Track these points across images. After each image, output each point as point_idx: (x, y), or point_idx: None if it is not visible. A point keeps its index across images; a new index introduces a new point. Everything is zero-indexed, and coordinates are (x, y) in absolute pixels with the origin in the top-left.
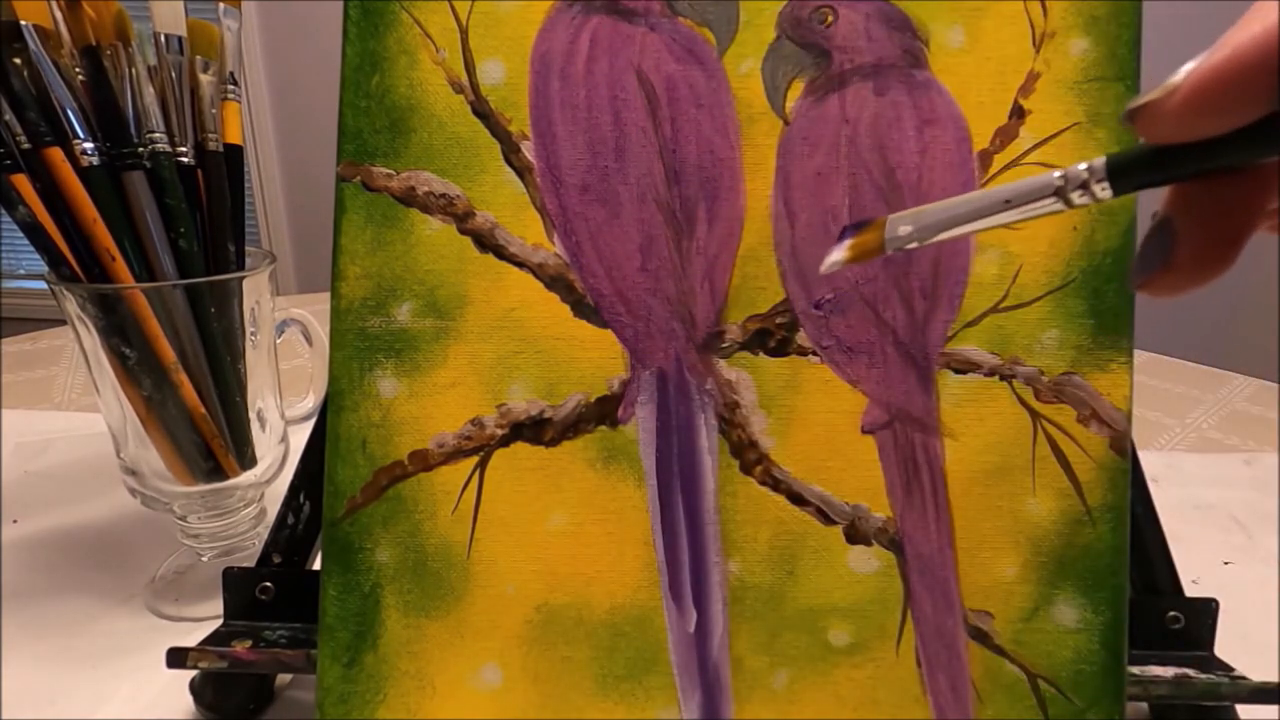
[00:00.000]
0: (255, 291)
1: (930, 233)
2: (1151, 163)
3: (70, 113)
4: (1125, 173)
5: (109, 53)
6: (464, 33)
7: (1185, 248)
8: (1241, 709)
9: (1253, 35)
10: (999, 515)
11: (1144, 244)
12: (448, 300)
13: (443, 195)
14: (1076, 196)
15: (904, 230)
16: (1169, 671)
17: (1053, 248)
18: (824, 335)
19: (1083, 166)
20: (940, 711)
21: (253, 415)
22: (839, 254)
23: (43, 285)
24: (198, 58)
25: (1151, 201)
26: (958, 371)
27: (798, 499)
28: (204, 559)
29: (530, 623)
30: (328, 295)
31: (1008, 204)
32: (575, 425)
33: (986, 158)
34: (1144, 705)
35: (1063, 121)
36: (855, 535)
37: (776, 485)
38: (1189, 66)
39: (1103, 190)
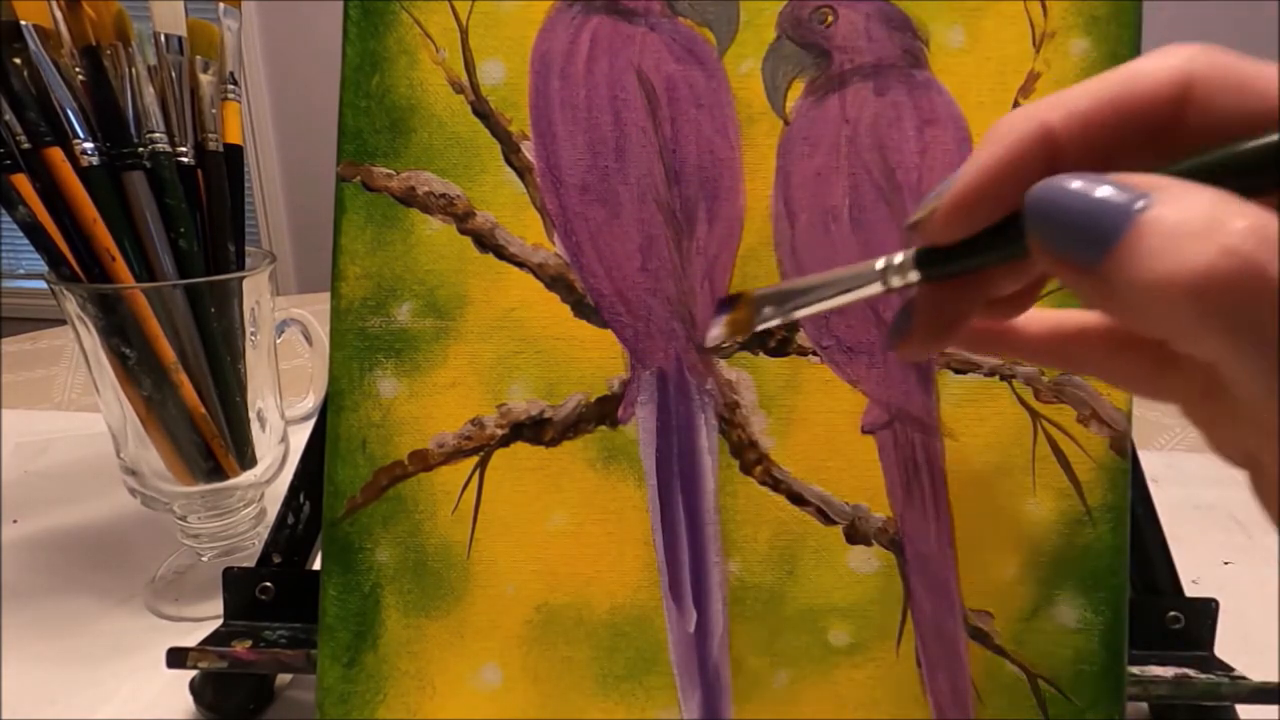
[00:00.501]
0: (255, 291)
1: (786, 314)
2: (939, 259)
3: (70, 113)
4: (928, 264)
5: (109, 53)
6: (464, 33)
7: (918, 328)
8: (1241, 709)
9: (979, 163)
10: (999, 515)
11: (895, 317)
12: (448, 300)
13: (443, 195)
14: (895, 281)
15: (769, 311)
16: (1169, 671)
17: None
18: (824, 335)
19: (899, 258)
20: (940, 711)
21: (253, 415)
22: (717, 330)
23: (43, 285)
24: (198, 58)
25: None
26: (958, 371)
27: (798, 499)
28: (204, 559)
29: (530, 623)
30: (328, 295)
31: (844, 290)
32: (575, 425)
33: None
34: (1144, 705)
35: None
36: (855, 535)
37: (776, 485)
38: (943, 186)
39: (913, 275)
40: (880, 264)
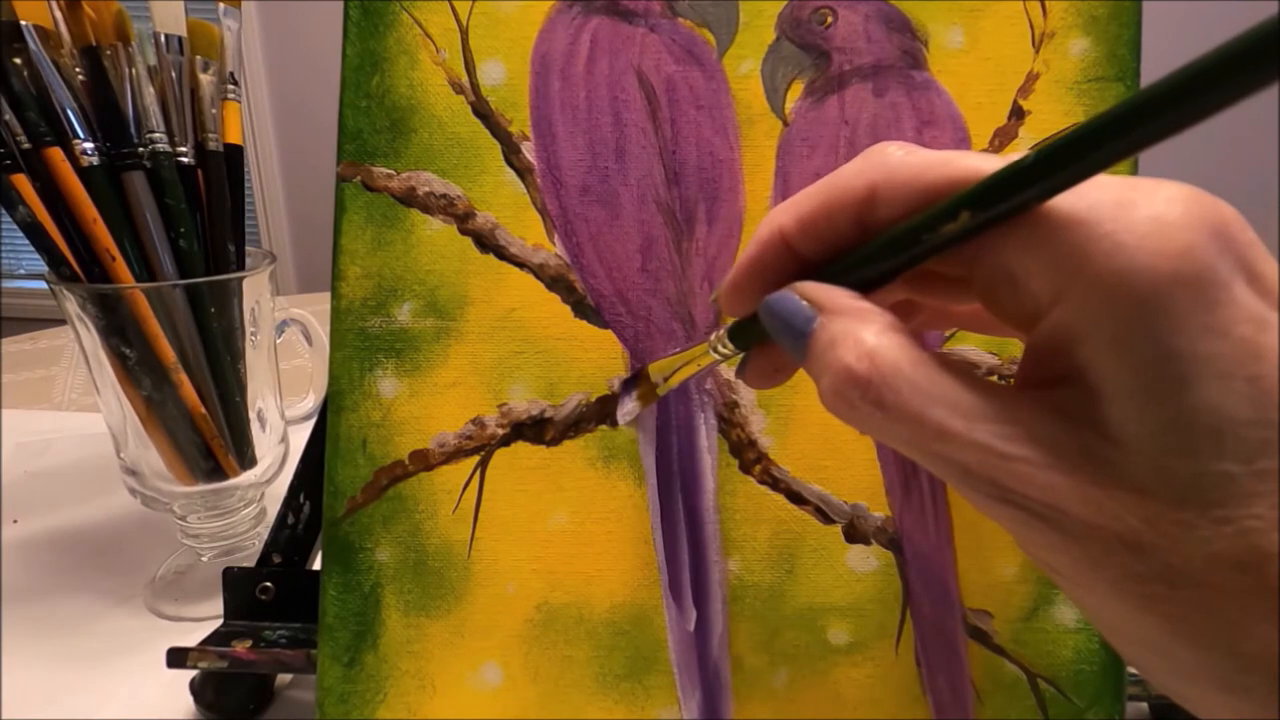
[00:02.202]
0: (255, 291)
1: (666, 384)
2: (740, 331)
3: (70, 113)
4: (736, 336)
5: (109, 53)
6: (464, 33)
7: (750, 372)
8: None
9: (741, 261)
10: None
11: (742, 359)
12: (448, 300)
13: (443, 196)
14: (722, 349)
15: (659, 381)
16: None
17: None
18: None
19: (721, 331)
20: (940, 711)
21: (253, 415)
22: (631, 405)
23: (43, 285)
24: (198, 58)
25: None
26: None
27: (797, 498)
28: (204, 559)
29: (531, 622)
30: (328, 295)
31: (694, 360)
32: (576, 425)
33: None
34: (1144, 705)
35: (1062, 122)
36: (854, 534)
37: (775, 484)
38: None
39: (725, 347)
40: (712, 337)
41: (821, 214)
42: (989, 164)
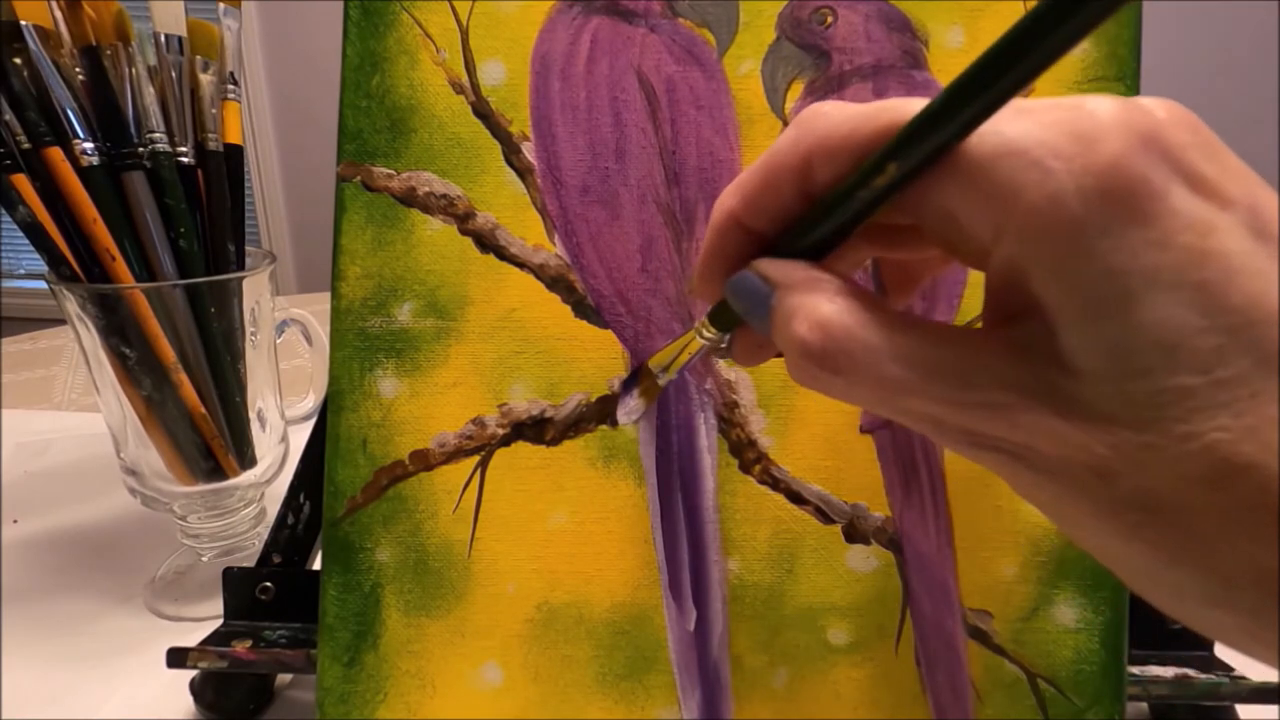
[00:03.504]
0: (255, 291)
1: (670, 373)
2: (718, 315)
3: (70, 113)
4: (715, 319)
5: (109, 53)
6: (464, 33)
7: (738, 351)
8: (1241, 709)
9: (703, 249)
10: (998, 515)
11: (729, 339)
12: (449, 300)
13: (444, 196)
14: (707, 334)
15: (659, 373)
16: (1169, 671)
17: None
18: None
19: (702, 318)
20: (940, 711)
21: (253, 415)
22: (635, 403)
23: (43, 285)
24: (198, 58)
25: None
26: None
27: (797, 498)
28: (204, 559)
29: (531, 621)
30: (328, 295)
31: (685, 347)
32: (576, 424)
33: None
34: (1144, 705)
35: None
36: (854, 534)
37: (775, 484)
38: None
39: (710, 331)
40: (697, 323)
41: (764, 190)
42: (914, 109)
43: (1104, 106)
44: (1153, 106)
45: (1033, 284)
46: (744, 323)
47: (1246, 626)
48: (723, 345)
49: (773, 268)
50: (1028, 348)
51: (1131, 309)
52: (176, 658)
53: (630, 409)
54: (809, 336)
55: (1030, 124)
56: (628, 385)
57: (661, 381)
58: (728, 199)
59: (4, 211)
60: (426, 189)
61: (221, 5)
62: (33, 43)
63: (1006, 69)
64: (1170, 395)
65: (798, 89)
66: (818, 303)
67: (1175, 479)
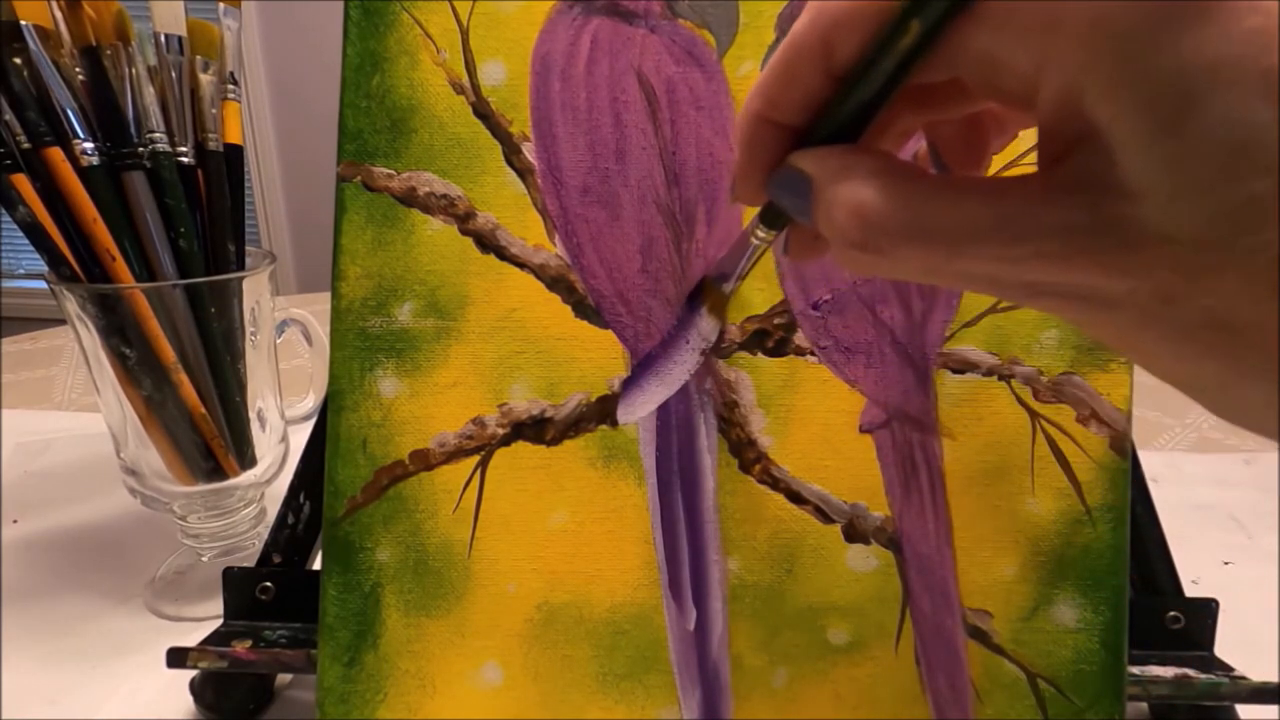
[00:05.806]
0: (255, 291)
1: (733, 279)
2: (767, 215)
3: (70, 113)
4: (765, 219)
5: (109, 53)
6: (465, 34)
7: (793, 247)
8: (1241, 709)
9: (735, 155)
10: (998, 515)
11: (784, 237)
12: (449, 300)
13: (444, 196)
14: (760, 233)
15: (726, 286)
16: (1169, 671)
17: None
18: (822, 335)
19: (756, 220)
20: (939, 710)
21: (253, 415)
22: (707, 323)
23: (43, 285)
24: (198, 58)
25: None
26: (956, 371)
27: (796, 497)
28: (204, 559)
29: (531, 621)
30: (328, 295)
31: (744, 247)
32: (576, 424)
33: None
34: (1144, 705)
35: None
36: (854, 534)
37: (775, 484)
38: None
39: (763, 232)
40: (748, 226)
41: (788, 81)
42: None
43: None
44: None
45: (1085, 104)
46: (794, 220)
47: None
48: (769, 246)
49: (807, 160)
50: (1082, 181)
51: (1196, 111)
52: (176, 658)
53: (709, 329)
54: (848, 225)
55: None
56: (692, 302)
57: (728, 290)
58: (752, 102)
59: (4, 211)
60: (427, 189)
61: (221, 5)
62: (33, 43)
63: None
64: (1237, 206)
65: None
66: (854, 189)
67: (1244, 295)
